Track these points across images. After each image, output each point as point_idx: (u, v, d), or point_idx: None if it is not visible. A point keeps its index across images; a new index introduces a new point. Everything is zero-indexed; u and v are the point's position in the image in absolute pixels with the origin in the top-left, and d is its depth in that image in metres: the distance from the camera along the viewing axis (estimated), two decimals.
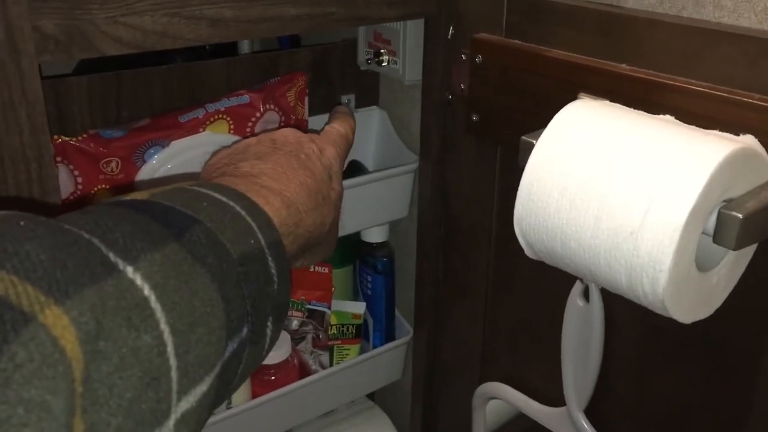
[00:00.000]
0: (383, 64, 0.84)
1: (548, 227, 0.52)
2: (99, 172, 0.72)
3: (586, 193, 0.49)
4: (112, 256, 0.29)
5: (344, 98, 0.92)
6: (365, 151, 0.93)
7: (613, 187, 0.48)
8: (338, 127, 0.56)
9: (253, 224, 0.38)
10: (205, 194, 0.38)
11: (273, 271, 0.38)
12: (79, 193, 0.72)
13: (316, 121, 0.89)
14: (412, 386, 0.97)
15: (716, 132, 0.49)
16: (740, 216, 0.46)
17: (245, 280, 0.35)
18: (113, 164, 0.73)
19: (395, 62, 0.83)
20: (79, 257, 0.28)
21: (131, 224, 0.32)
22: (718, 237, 0.47)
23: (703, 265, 0.49)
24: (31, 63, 0.54)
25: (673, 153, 0.46)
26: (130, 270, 0.29)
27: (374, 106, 0.93)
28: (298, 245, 0.45)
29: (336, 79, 0.91)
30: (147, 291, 0.29)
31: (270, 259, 0.38)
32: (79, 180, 0.71)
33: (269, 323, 0.38)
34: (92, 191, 0.73)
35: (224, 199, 0.38)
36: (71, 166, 0.71)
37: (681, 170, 0.45)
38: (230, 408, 0.82)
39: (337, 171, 0.52)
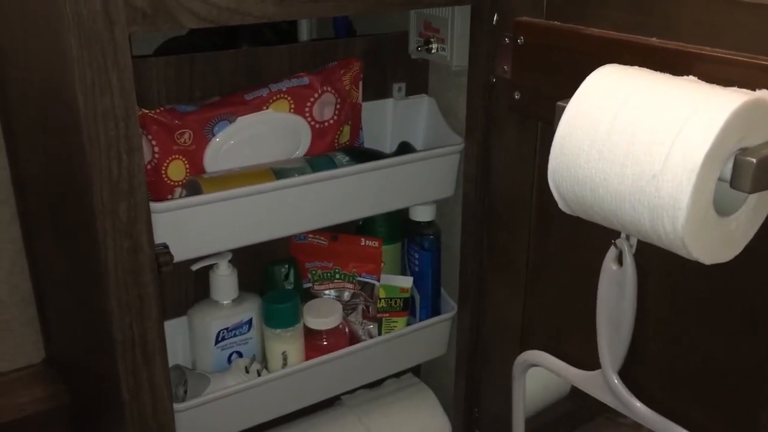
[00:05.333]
0: (432, 51, 0.90)
1: (579, 177, 0.57)
2: (173, 142, 0.80)
3: (613, 142, 0.54)
4: None
5: (396, 86, 0.98)
6: (415, 136, 0.99)
7: (638, 136, 0.53)
8: None
9: None
10: None
11: None
12: (155, 161, 0.80)
13: (369, 107, 0.96)
14: (456, 361, 1.02)
15: (735, 88, 0.54)
16: (754, 161, 0.50)
17: None
18: (186, 136, 0.80)
19: (443, 49, 0.89)
20: None
21: None
22: (734, 181, 0.51)
23: (722, 210, 0.54)
24: (123, 32, 0.62)
25: (693, 103, 0.51)
26: None
27: (423, 94, 0.99)
28: None
29: (388, 68, 0.98)
30: None
31: None
32: (156, 149, 0.79)
33: None
34: (167, 161, 0.80)
35: None
36: (149, 136, 0.78)
37: (699, 117, 0.50)
38: (285, 368, 0.88)
39: None
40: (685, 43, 0.62)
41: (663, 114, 0.52)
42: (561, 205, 0.62)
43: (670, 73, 0.59)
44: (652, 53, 0.63)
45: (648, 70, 0.59)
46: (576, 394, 0.83)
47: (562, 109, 0.60)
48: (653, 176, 0.51)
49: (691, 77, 0.57)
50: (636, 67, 0.60)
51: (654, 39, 0.64)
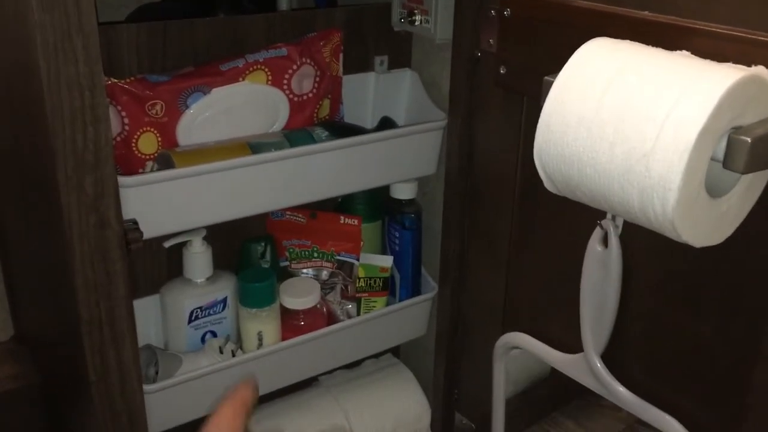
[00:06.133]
0: (416, 24, 0.87)
1: (566, 156, 0.54)
2: (144, 114, 0.77)
3: (602, 120, 0.52)
4: None
5: (378, 59, 0.95)
6: (397, 111, 0.96)
7: (628, 113, 0.50)
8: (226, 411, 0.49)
9: None
10: None
11: None
12: (126, 134, 0.76)
13: (349, 81, 0.93)
14: (435, 342, 1.00)
15: (729, 63, 0.52)
16: (749, 140, 0.48)
17: None
18: (158, 107, 0.77)
19: (427, 21, 0.86)
20: None
21: None
22: (727, 161, 0.49)
23: (713, 191, 0.52)
24: None
25: (686, 79, 0.49)
26: None
27: (406, 68, 0.96)
28: None
29: (370, 40, 0.95)
30: None
31: None
32: (126, 121, 0.76)
33: None
34: (138, 133, 0.77)
35: None
36: (119, 107, 0.75)
37: (692, 94, 0.48)
38: (261, 348, 0.86)
39: None
40: (679, 16, 0.59)
41: (655, 90, 0.50)
42: (547, 184, 0.59)
43: (663, 48, 0.57)
44: (644, 27, 0.61)
45: (639, 44, 0.57)
46: (556, 376, 0.82)
47: (550, 84, 0.58)
48: (644, 155, 0.49)
49: (684, 52, 0.55)
50: (627, 41, 0.58)
51: (646, 12, 0.61)
